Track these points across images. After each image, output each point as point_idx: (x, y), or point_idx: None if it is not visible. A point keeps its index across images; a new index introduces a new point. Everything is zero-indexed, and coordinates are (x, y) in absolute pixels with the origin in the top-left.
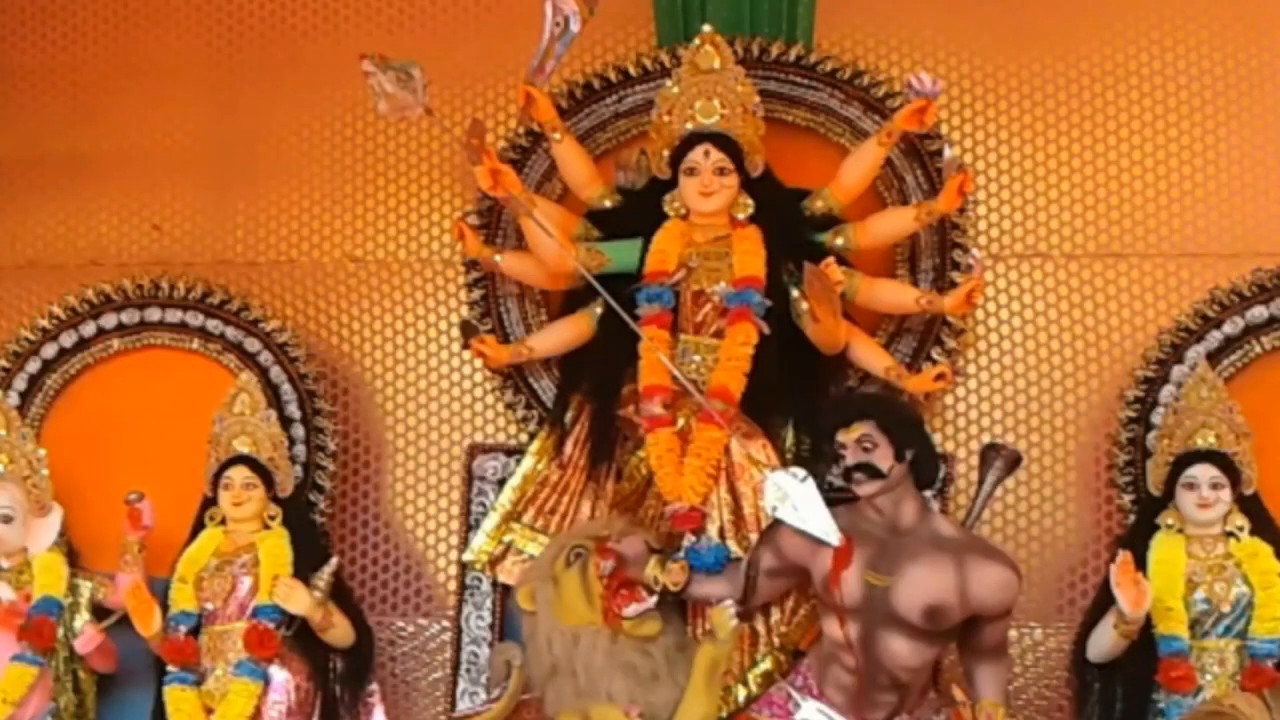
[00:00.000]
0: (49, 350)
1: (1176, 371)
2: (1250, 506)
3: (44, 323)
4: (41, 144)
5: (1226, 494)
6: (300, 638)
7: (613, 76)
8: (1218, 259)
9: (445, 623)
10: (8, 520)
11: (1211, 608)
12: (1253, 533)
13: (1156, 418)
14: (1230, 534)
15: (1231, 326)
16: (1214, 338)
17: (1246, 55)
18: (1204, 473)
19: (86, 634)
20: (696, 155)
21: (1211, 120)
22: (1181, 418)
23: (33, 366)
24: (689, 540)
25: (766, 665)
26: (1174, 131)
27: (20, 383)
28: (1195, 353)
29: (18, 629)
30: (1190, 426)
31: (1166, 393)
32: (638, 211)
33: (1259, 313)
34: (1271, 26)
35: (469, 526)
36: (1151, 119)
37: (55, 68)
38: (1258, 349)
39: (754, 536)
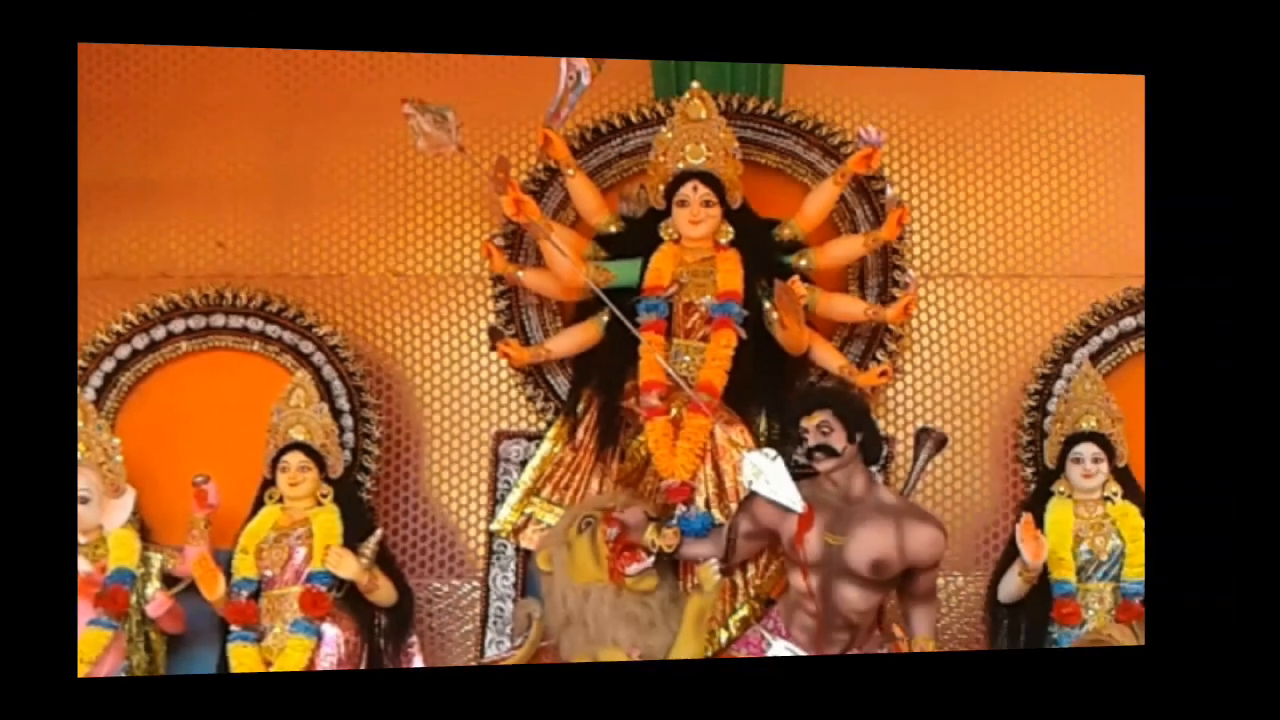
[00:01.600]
0: (123, 351)
1: (1066, 369)
2: (1123, 476)
3: (118, 327)
4: (118, 171)
5: (1105, 466)
6: (349, 598)
7: (617, 123)
8: (1098, 279)
9: (475, 583)
10: (84, 501)
11: (1093, 557)
12: (1124, 497)
13: (1051, 406)
14: (1107, 498)
15: (1109, 333)
16: (1095, 342)
17: (1112, 122)
18: (1088, 450)
19: (157, 600)
20: (687, 190)
21: (1094, 169)
22: (1070, 406)
23: (108, 366)
24: (680, 510)
25: (744, 612)
26: (1065, 177)
27: (96, 379)
28: (1081, 354)
29: (94, 597)
30: (1077, 413)
31: (1059, 386)
32: (638, 236)
33: (1129, 322)
34: (1124, 104)
35: (495, 501)
36: (1048, 166)
37: (131, 104)
38: (1128, 351)
39: (734, 506)
